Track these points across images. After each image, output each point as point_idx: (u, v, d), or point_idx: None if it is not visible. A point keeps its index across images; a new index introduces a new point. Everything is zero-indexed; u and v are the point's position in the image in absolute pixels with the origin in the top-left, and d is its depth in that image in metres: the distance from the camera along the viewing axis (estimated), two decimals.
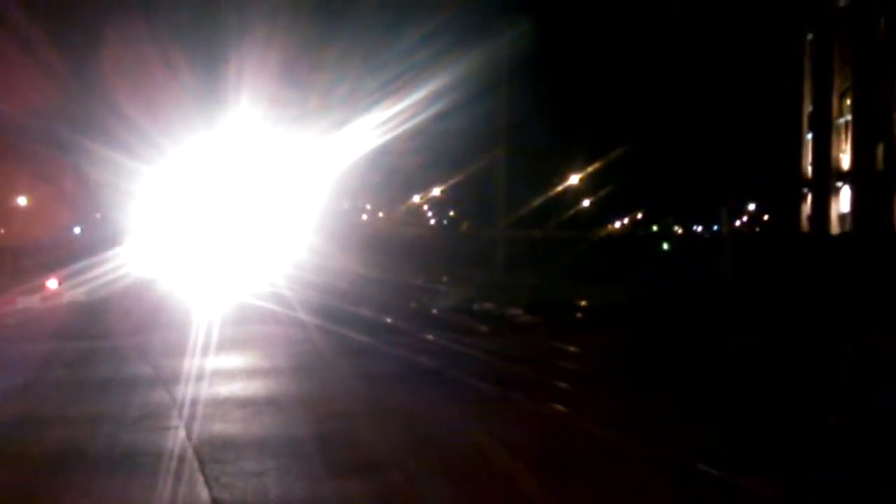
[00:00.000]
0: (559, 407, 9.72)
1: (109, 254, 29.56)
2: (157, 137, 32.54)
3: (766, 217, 59.55)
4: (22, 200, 48.48)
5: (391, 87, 32.85)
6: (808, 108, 35.45)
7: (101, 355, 13.45)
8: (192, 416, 9.18)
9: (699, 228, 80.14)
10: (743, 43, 39.69)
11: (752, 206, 60.33)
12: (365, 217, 72.00)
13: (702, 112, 45.76)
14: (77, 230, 47.25)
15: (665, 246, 45.74)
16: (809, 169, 35.26)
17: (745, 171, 45.76)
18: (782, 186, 37.87)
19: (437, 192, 67.31)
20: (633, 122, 49.41)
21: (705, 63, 43.29)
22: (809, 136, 35.35)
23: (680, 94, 46.21)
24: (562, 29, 42.02)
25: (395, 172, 50.03)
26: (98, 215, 46.11)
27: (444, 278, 30.42)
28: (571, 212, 59.52)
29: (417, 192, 68.52)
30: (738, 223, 67.67)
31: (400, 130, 34.82)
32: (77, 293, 21.82)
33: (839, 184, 32.73)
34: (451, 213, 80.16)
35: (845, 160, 32.27)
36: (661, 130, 48.76)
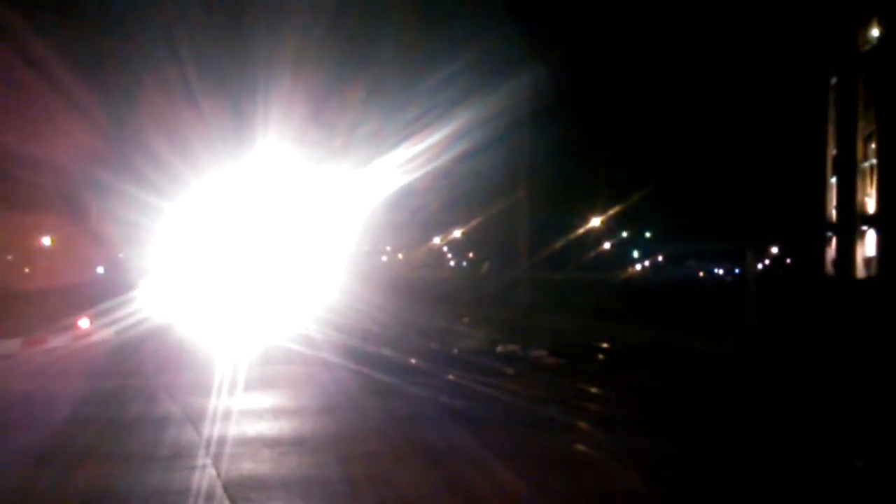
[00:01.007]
0: (582, 447, 9.83)
1: (134, 294, 29.79)
2: (182, 176, 32.92)
3: (788, 260, 59.18)
4: (46, 240, 49.11)
5: (415, 128, 33.16)
6: (832, 151, 35.38)
7: (130, 394, 13.48)
8: (220, 456, 9.16)
9: (720, 271, 79.79)
10: (766, 86, 39.85)
11: (775, 250, 59.99)
12: (385, 258, 72.19)
13: (725, 155, 45.78)
14: (100, 269, 47.59)
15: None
16: (834, 213, 35.07)
17: (769, 215, 45.61)
18: (806, 230, 37.67)
19: (457, 233, 67.48)
20: (655, 164, 49.52)
21: (728, 106, 43.42)
22: (834, 179, 35.21)
23: (703, 138, 46.32)
24: (585, 70, 42.26)
25: (415, 214, 50.27)
26: (122, 255, 46.48)
27: (466, 320, 30.33)
28: (592, 254, 59.44)
29: (437, 233, 68.75)
30: (760, 266, 67.31)
31: (421, 171, 35.10)
32: (107, 333, 22.00)
33: (864, 227, 32.49)
34: (471, 255, 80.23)
35: (870, 204, 32.07)
36: (683, 173, 48.81)
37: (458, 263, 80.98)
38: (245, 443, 9.81)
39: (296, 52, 30.92)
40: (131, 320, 24.16)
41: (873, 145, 31.83)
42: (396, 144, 33.62)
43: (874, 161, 31.78)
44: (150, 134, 33.57)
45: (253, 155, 32.22)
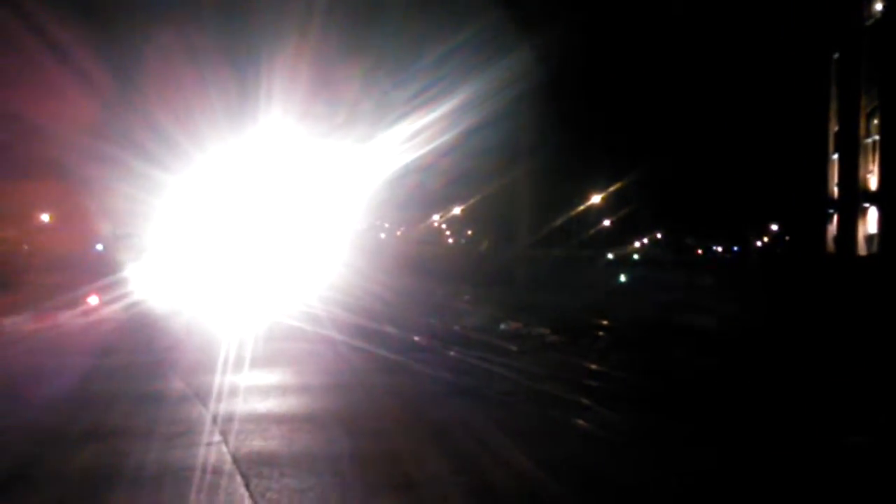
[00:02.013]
0: (583, 422, 9.88)
1: (135, 271, 29.77)
2: (184, 152, 32.75)
3: (787, 238, 59.21)
4: (45, 217, 48.95)
5: (415, 103, 32.98)
6: (834, 127, 35.25)
7: (138, 371, 13.52)
8: (230, 432, 9.19)
9: (719, 249, 79.82)
10: (767, 62, 39.65)
11: (775, 227, 59.99)
12: (383, 236, 72.13)
13: (724, 131, 45.66)
14: (100, 246, 47.44)
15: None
16: (835, 189, 35.00)
17: (769, 192, 45.55)
18: (807, 207, 37.57)
19: (456, 210, 67.37)
20: (655, 141, 49.37)
21: (728, 82, 43.25)
22: (835, 156, 35.11)
23: (702, 113, 46.16)
24: (587, 47, 42.01)
25: (414, 191, 50.15)
26: (121, 231, 46.27)
27: (467, 297, 30.38)
28: (592, 231, 59.45)
29: (436, 210, 68.64)
30: (759, 244, 67.31)
31: (421, 148, 34.94)
32: (113, 309, 22.04)
33: (866, 204, 32.43)
34: (469, 232, 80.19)
35: (872, 181, 31.99)
36: (683, 150, 48.68)
37: (458, 240, 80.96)
38: (254, 419, 9.84)
39: (299, 26, 30.68)
40: (136, 297, 24.19)
41: (876, 121, 31.69)
42: (398, 120, 33.49)
43: (876, 137, 31.67)
44: (152, 108, 33.35)
45: (255, 130, 32.07)
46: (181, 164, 33.23)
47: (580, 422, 9.94)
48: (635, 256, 63.91)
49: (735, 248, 72.62)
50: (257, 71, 30.92)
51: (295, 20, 30.79)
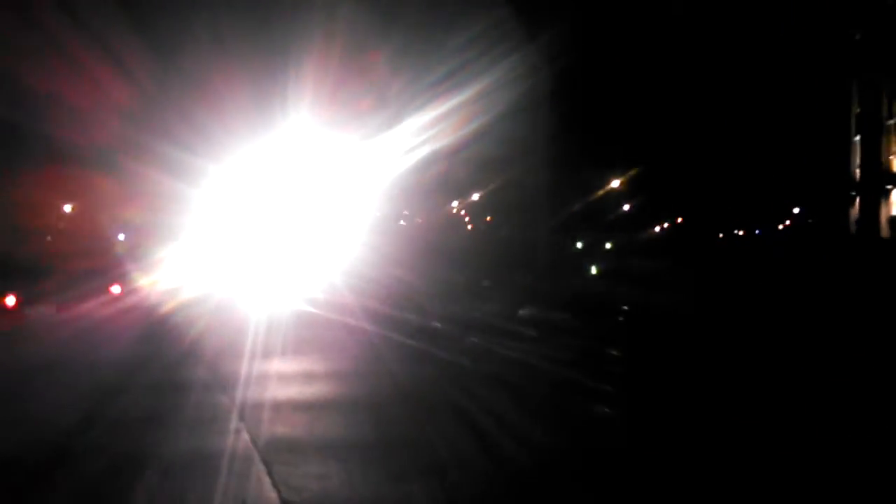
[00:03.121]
0: (604, 408, 9.95)
1: (159, 259, 29.99)
2: (208, 140, 32.84)
3: (809, 220, 58.63)
4: (67, 207, 49.29)
5: (436, 92, 32.86)
6: (856, 109, 34.86)
7: (162, 359, 13.68)
8: (253, 420, 9.28)
9: (740, 232, 79.18)
10: (788, 43, 39.18)
11: (796, 210, 59.41)
12: (403, 223, 72.13)
13: (745, 114, 45.20)
14: (122, 236, 47.69)
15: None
16: (858, 172, 34.64)
17: (791, 175, 45.10)
18: (829, 189, 37.28)
19: (475, 197, 67.22)
20: (676, 124, 48.97)
21: (749, 64, 42.77)
22: (857, 138, 34.73)
23: (723, 96, 45.69)
24: (606, 32, 41.64)
25: (435, 179, 50.10)
26: (143, 221, 46.47)
27: (488, 283, 30.41)
28: (612, 216, 59.13)
29: (455, 197, 68.51)
30: (780, 226, 66.69)
31: (442, 138, 34.89)
32: (138, 299, 22.27)
33: (889, 186, 32.10)
34: (488, 218, 80.00)
35: (895, 163, 31.68)
36: (704, 133, 48.27)
37: (477, 227, 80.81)
38: (277, 407, 9.94)
39: (326, 14, 30.60)
40: (160, 286, 24.40)
41: None
42: (418, 109, 33.37)
43: None
44: (174, 97, 33.47)
45: (282, 118, 32.08)
46: (210, 152, 33.29)
47: (597, 406, 9.97)
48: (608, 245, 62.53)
49: (757, 232, 72.01)
50: (285, 60, 30.93)
51: (322, 8, 30.74)
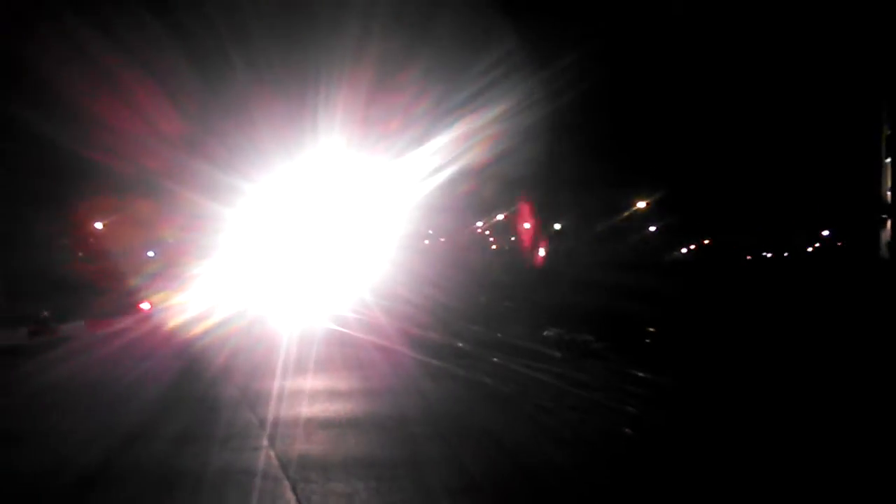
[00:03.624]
0: (629, 431, 9.86)
1: (189, 278, 30.18)
2: (241, 160, 33.11)
3: (839, 243, 58.02)
4: (98, 225, 49.85)
5: (463, 112, 32.92)
6: (886, 131, 34.50)
7: (191, 377, 13.83)
8: (278, 437, 9.37)
9: (769, 255, 78.45)
10: (816, 64, 38.95)
11: (825, 233, 58.86)
12: (427, 242, 72.25)
13: (774, 136, 44.91)
14: (151, 253, 48.05)
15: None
16: (888, 194, 34.22)
17: (820, 196, 44.70)
18: (859, 212, 36.80)
19: (500, 217, 67.27)
20: (704, 145, 48.73)
21: (779, 86, 42.54)
22: (888, 160, 34.35)
23: (751, 117, 45.43)
24: (636, 53, 41.59)
25: (460, 198, 50.14)
26: (175, 239, 46.82)
27: (511, 304, 30.34)
28: (638, 237, 58.87)
29: (480, 217, 68.58)
30: (809, 249, 66.03)
31: (469, 156, 34.91)
32: (166, 316, 22.46)
33: None
34: (513, 238, 79.91)
35: None
36: (732, 155, 47.99)
37: (501, 247, 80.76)
38: (304, 424, 10.02)
39: (357, 36, 30.84)
40: (189, 304, 24.55)
41: None
42: (444, 129, 33.41)
43: None
44: (205, 117, 33.81)
45: (313, 138, 32.26)
46: (243, 171, 33.49)
47: (622, 429, 9.92)
48: None
49: (785, 254, 71.37)
50: (316, 81, 31.13)
51: (353, 29, 30.97)
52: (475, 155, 34.81)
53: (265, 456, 8.58)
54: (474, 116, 32.77)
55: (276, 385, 12.64)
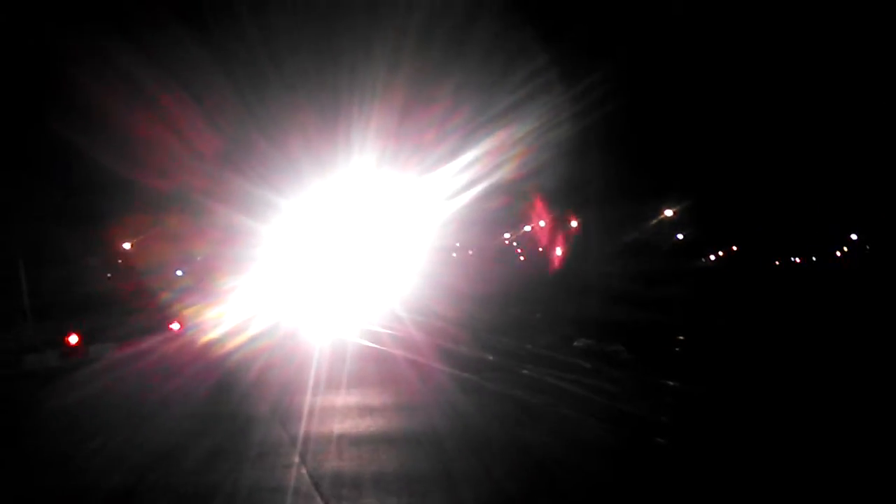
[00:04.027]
0: (661, 440, 9.80)
1: (215, 296, 30.32)
2: (271, 174, 33.25)
3: (867, 247, 57.41)
4: (126, 245, 50.37)
5: (493, 127, 32.88)
6: None
7: (222, 394, 13.93)
8: (310, 453, 9.40)
9: (797, 260, 77.72)
10: (849, 69, 38.64)
11: (853, 236, 58.29)
12: (455, 255, 72.30)
13: (802, 141, 44.56)
14: (179, 272, 48.31)
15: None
16: None
17: (848, 201, 44.28)
18: (888, 216, 36.47)
19: (527, 228, 67.24)
20: (731, 150, 48.43)
21: (808, 89, 42.20)
22: None
23: (779, 122, 45.14)
24: (664, 63, 41.47)
25: (489, 211, 50.12)
26: (206, 255, 47.01)
27: (539, 315, 30.23)
28: (666, 246, 58.57)
29: (507, 229, 68.63)
30: (838, 253, 65.36)
31: (498, 169, 34.84)
32: (195, 335, 22.57)
33: None
34: (540, 249, 79.75)
35: None
36: (760, 161, 47.66)
37: (529, 258, 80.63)
38: (332, 441, 10.04)
39: (392, 48, 30.92)
40: (219, 322, 24.64)
41: None
42: (474, 143, 33.35)
43: None
44: (237, 135, 33.99)
45: (345, 152, 32.31)
46: (274, 186, 33.57)
47: (654, 439, 9.85)
48: None
49: (814, 259, 70.70)
50: (349, 96, 31.17)
51: (387, 43, 31.01)
52: (506, 170, 34.78)
53: (299, 473, 8.62)
54: (506, 131, 32.75)
55: (305, 401, 12.70)
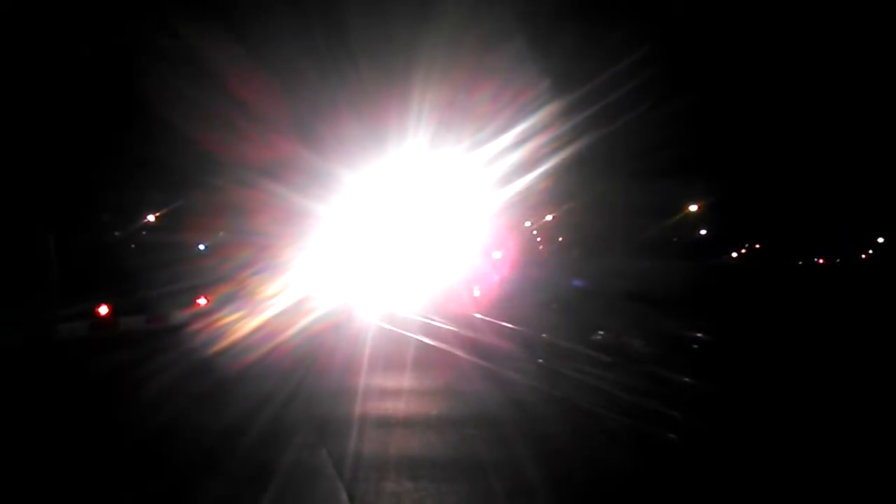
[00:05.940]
0: (674, 436, 9.92)
1: (249, 271, 30.15)
2: (309, 157, 33.12)
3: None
4: (151, 217, 50.59)
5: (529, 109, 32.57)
6: None
7: (249, 374, 14.12)
8: (331, 435, 9.58)
9: (821, 261, 77.15)
10: (869, 72, 38.27)
11: (880, 240, 57.81)
12: (484, 245, 71.90)
13: (830, 142, 44.23)
14: (202, 246, 48.12)
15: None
16: None
17: (875, 203, 43.90)
18: None
19: (549, 217, 66.95)
20: (758, 148, 48.13)
21: (831, 92, 41.86)
22: None
23: (807, 123, 44.81)
24: (690, 50, 41.07)
25: (510, 201, 49.93)
26: (223, 232, 46.76)
27: (555, 306, 30.16)
28: (687, 241, 58.32)
29: (530, 217, 68.39)
30: (864, 256, 64.86)
31: (524, 164, 34.63)
32: (223, 312, 22.59)
33: None
34: (560, 239, 79.52)
35: None
36: (787, 160, 47.35)
37: (549, 248, 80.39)
38: (354, 423, 10.23)
39: (440, 47, 30.71)
40: (246, 300, 24.60)
41: None
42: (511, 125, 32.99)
43: None
44: (288, 114, 33.80)
45: (398, 138, 32.11)
46: (338, 164, 33.39)
47: (668, 434, 9.96)
48: None
49: (838, 260, 70.18)
50: (406, 74, 30.91)
51: (443, 21, 30.68)
52: (531, 159, 34.49)
53: (318, 453, 8.81)
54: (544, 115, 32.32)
55: (330, 383, 12.93)
